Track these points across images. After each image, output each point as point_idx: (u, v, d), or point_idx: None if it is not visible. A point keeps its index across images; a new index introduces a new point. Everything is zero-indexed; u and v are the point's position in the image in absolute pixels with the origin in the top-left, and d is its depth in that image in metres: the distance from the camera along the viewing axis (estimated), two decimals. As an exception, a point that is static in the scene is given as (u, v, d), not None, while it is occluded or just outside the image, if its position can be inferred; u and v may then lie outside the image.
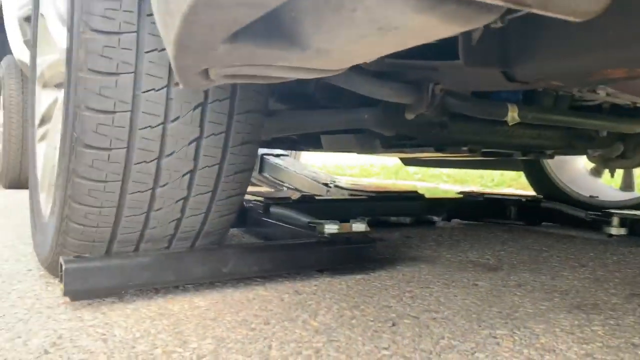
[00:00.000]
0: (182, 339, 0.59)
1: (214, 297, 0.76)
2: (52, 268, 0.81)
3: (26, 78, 2.70)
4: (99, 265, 0.69)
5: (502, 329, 0.66)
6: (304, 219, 1.06)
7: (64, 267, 0.67)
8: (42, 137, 1.08)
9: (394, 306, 0.75)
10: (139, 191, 0.66)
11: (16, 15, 2.35)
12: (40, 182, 1.02)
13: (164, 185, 0.68)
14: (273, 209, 1.20)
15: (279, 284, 0.85)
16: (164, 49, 0.62)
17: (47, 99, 1.08)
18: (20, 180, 2.83)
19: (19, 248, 1.12)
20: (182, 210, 0.72)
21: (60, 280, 0.68)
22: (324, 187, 1.80)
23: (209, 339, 0.60)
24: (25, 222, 1.45)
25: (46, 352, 0.55)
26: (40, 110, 1.09)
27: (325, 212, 1.18)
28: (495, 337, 0.63)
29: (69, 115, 0.63)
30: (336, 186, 1.77)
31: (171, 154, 0.66)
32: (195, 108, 0.65)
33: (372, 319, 0.69)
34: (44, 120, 1.07)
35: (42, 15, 1.02)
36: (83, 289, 0.69)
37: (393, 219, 1.50)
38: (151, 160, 0.65)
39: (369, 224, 0.97)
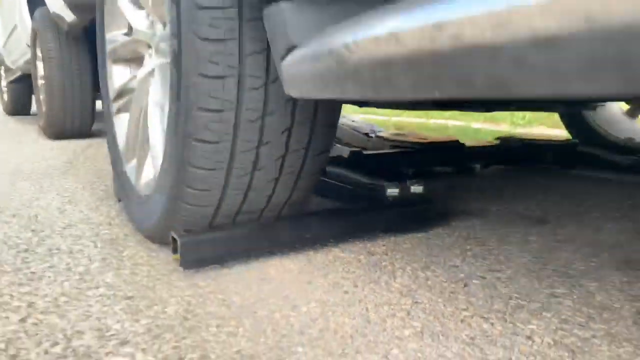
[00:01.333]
0: (291, 303, 0.70)
1: (301, 260, 0.87)
2: (155, 237, 0.92)
3: (62, 31, 2.74)
4: (207, 238, 0.80)
5: (560, 288, 0.76)
6: (363, 179, 1.14)
7: (179, 242, 0.77)
8: (120, 110, 1.16)
9: (460, 266, 0.85)
10: (241, 175, 0.75)
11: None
12: (123, 153, 1.11)
13: (260, 169, 0.77)
14: (329, 169, 1.28)
15: (352, 245, 0.95)
16: (261, 52, 0.68)
17: (122, 75, 1.16)
18: (63, 131, 2.95)
19: (103, 210, 1.24)
20: (274, 188, 0.81)
21: (175, 252, 0.80)
22: (365, 137, 1.87)
23: (312, 302, 0.71)
24: (95, 178, 1.56)
25: (185, 318, 0.66)
26: (114, 85, 1.16)
27: (376, 167, 1.27)
28: (556, 297, 0.73)
29: (181, 115, 0.71)
30: (377, 136, 1.83)
31: (267, 142, 0.74)
32: (286, 102, 0.73)
33: (444, 280, 0.79)
34: (121, 94, 1.15)
35: (112, -5, 1.07)
36: (194, 259, 0.80)
37: (437, 169, 1.58)
38: (251, 149, 0.73)
39: (415, 174, 1.05)
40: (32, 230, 1.06)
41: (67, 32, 2.68)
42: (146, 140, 0.97)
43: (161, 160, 0.85)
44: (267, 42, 0.66)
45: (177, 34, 0.69)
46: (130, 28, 1.03)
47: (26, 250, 0.93)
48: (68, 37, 2.76)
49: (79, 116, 2.91)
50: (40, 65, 3.07)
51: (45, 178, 1.68)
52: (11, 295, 0.73)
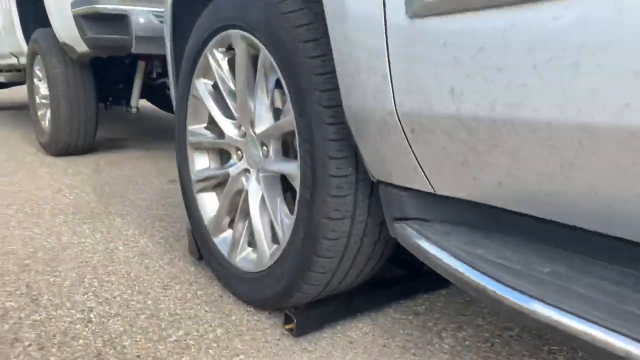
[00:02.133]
0: (382, 366, 1.02)
1: (369, 322, 1.18)
2: (257, 304, 1.21)
3: (65, 53, 2.87)
4: (314, 313, 1.11)
5: (555, 345, 1.12)
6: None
7: (295, 319, 1.08)
8: (202, 190, 1.42)
9: (483, 325, 1.20)
10: (349, 259, 1.05)
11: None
12: (210, 227, 1.37)
13: (361, 254, 1.07)
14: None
15: (401, 305, 1.28)
16: (365, 199, 0.98)
17: (204, 161, 1.41)
18: (68, 149, 3.10)
19: (180, 265, 1.50)
20: (364, 266, 1.11)
21: (286, 323, 1.10)
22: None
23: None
24: (141, 219, 1.78)
25: (318, 382, 0.97)
26: (195, 169, 1.42)
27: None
28: (553, 353, 1.09)
29: (311, 228, 1.01)
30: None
31: (368, 235, 1.05)
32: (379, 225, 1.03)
33: (477, 340, 1.13)
34: (204, 179, 1.40)
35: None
36: (302, 328, 1.10)
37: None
38: (357, 240, 1.03)
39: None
40: (140, 292, 1.32)
41: (75, 59, 2.82)
42: (244, 227, 1.25)
43: (270, 251, 1.13)
44: (370, 191, 0.96)
45: (311, 188, 0.97)
46: (222, 134, 1.30)
47: (153, 316, 1.20)
48: (74, 62, 2.89)
49: (83, 135, 3.07)
50: (40, 85, 3.18)
51: (93, 219, 1.90)
52: (179, 365, 1.02)
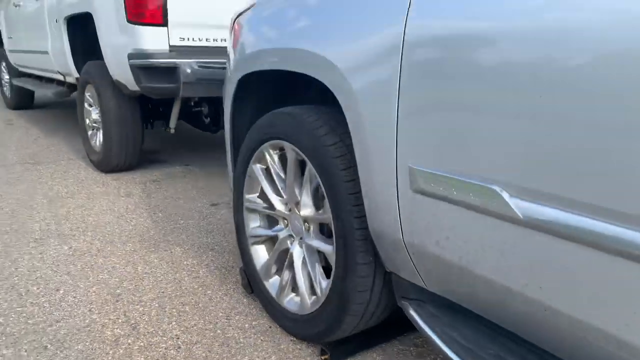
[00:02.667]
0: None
1: (379, 352, 1.63)
2: (301, 336, 1.66)
3: (117, 87, 3.29)
4: (347, 347, 1.55)
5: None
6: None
7: (329, 353, 1.52)
8: (255, 243, 1.86)
9: (464, 354, 1.63)
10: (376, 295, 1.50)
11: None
12: (261, 272, 1.81)
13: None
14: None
15: (404, 337, 1.72)
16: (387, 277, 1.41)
17: (256, 221, 1.85)
18: (117, 166, 3.54)
19: (240, 299, 1.95)
20: (388, 301, 1.56)
21: (322, 354, 1.54)
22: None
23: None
24: (194, 251, 2.22)
25: (346, 399, 1.42)
26: (249, 227, 1.85)
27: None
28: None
29: (347, 283, 1.45)
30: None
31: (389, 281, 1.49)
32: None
33: (458, 367, 1.57)
34: (256, 236, 1.84)
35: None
36: (337, 357, 1.55)
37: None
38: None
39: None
40: (210, 322, 1.77)
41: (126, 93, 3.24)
42: (289, 276, 1.69)
43: (311, 300, 1.57)
44: (384, 274, 1.39)
45: (343, 270, 1.40)
46: (272, 206, 1.73)
47: (224, 344, 1.65)
48: (125, 95, 3.31)
49: (131, 155, 3.50)
50: (91, 110, 3.61)
51: (157, 248, 2.35)
52: (249, 384, 1.47)
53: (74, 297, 1.92)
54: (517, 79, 0.84)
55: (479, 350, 1.08)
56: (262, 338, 1.68)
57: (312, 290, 1.60)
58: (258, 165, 1.75)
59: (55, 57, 4.18)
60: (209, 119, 3.54)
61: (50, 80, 4.98)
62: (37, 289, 1.98)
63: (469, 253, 1.00)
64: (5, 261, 2.20)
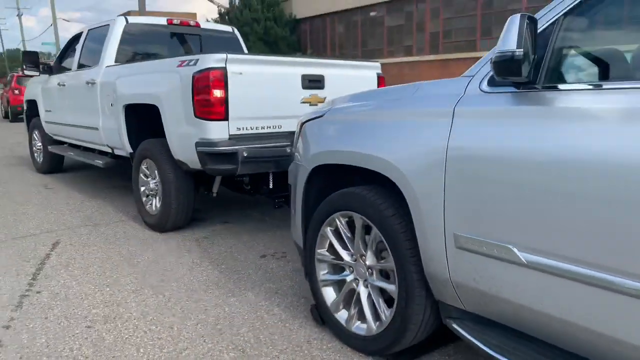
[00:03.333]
0: (438, 383, 2.12)
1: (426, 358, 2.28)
2: (370, 353, 2.32)
3: (176, 164, 3.96)
4: (399, 357, 2.22)
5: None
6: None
7: (393, 361, 2.18)
8: (324, 285, 2.53)
9: None
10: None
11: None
12: (331, 307, 2.48)
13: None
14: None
15: (428, 356, 2.38)
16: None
17: (325, 270, 2.52)
18: (171, 227, 4.18)
19: (314, 329, 2.60)
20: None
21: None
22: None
23: (444, 381, 2.13)
24: (263, 298, 2.86)
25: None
26: (320, 274, 2.53)
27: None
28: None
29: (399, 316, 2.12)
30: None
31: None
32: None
33: (482, 368, 2.24)
34: (324, 280, 2.51)
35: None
36: (395, 365, 2.21)
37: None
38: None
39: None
40: (299, 346, 2.41)
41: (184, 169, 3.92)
42: (356, 309, 2.35)
43: (375, 325, 2.23)
44: (432, 302, 2.07)
45: (405, 302, 2.08)
46: (339, 257, 2.41)
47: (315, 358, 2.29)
48: (182, 169, 3.98)
49: (184, 217, 4.15)
50: (148, 180, 4.27)
51: (234, 293, 2.98)
52: (340, 385, 2.11)
53: (187, 332, 2.55)
54: (515, 185, 1.57)
55: (508, 348, 1.76)
56: (339, 354, 2.33)
57: (376, 317, 2.26)
58: (329, 228, 2.44)
59: (106, 133, 4.86)
60: (249, 186, 4.22)
61: (90, 150, 5.62)
62: (156, 327, 2.60)
63: (495, 285, 1.70)
64: (117, 308, 2.82)
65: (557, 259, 1.50)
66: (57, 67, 6.18)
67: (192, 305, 2.85)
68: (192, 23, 5.48)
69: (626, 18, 1.70)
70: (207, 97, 3.40)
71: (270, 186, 4.04)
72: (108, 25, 5.06)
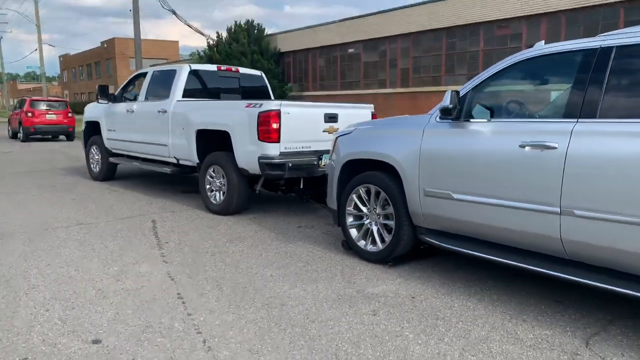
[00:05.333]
0: (415, 271, 4.08)
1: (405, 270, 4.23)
2: (378, 261, 4.29)
3: (238, 169, 5.90)
4: (400, 261, 4.20)
5: (459, 268, 4.21)
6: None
7: (390, 262, 4.15)
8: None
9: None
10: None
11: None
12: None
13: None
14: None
15: (415, 261, 4.35)
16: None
17: (353, 220, 4.50)
18: (232, 212, 6.07)
19: None
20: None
21: (387, 263, 4.16)
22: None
23: (418, 271, 4.09)
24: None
25: None
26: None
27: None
28: (458, 269, 4.17)
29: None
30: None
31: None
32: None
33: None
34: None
35: (357, 203, 4.46)
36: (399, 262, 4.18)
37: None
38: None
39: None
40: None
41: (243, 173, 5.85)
42: (371, 239, 4.31)
43: (383, 245, 4.19)
44: (410, 224, 4.05)
45: (398, 226, 4.07)
46: (360, 210, 4.39)
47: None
48: (241, 174, 5.90)
49: (242, 205, 6.05)
50: (214, 180, 6.17)
51: (308, 242, 4.90)
52: None
53: (272, 256, 4.45)
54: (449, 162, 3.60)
55: (453, 242, 3.73)
56: (358, 261, 4.27)
57: (381, 240, 4.22)
58: (354, 195, 4.41)
59: (175, 148, 6.73)
60: (284, 187, 6.19)
61: (152, 161, 7.45)
62: (254, 249, 4.49)
63: (443, 210, 3.69)
64: (224, 245, 4.69)
65: (470, 195, 3.49)
66: (120, 96, 8.04)
67: (265, 251, 4.75)
68: (233, 69, 7.46)
69: (499, 91, 3.76)
70: (268, 128, 5.37)
71: (301, 186, 6.03)
72: (175, 70, 7.00)
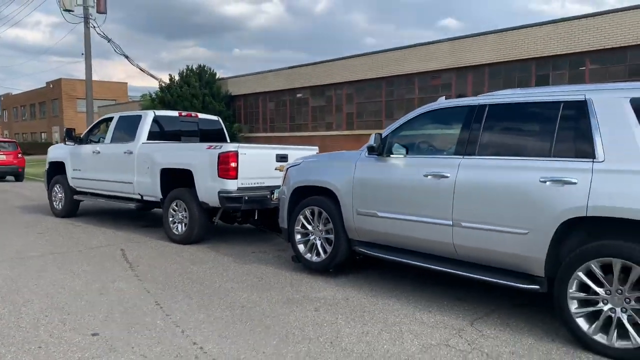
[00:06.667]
0: (351, 281, 4.99)
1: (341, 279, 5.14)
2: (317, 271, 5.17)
3: (199, 203, 6.71)
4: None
5: (387, 278, 5.14)
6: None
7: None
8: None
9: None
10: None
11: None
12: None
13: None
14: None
15: (352, 274, 5.26)
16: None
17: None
18: (192, 241, 6.82)
19: None
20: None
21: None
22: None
23: (354, 281, 5.00)
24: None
25: None
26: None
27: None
28: (386, 279, 5.10)
29: None
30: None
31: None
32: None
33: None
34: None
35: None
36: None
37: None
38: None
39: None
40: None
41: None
42: (316, 252, 5.20)
43: (324, 255, 5.09)
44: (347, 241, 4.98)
45: (336, 240, 4.99)
46: (306, 229, 5.29)
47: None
48: (202, 207, 6.70)
49: (202, 235, 6.82)
50: (176, 213, 6.93)
51: (263, 263, 5.72)
52: None
53: (233, 274, 5.25)
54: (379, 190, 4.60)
55: (380, 251, 4.68)
56: (305, 275, 5.14)
57: (324, 252, 5.11)
58: (301, 215, 5.31)
59: (139, 185, 7.46)
60: (240, 218, 7.03)
61: (116, 197, 8.11)
62: (211, 265, 5.28)
63: (371, 226, 4.66)
64: (191, 268, 5.45)
65: (391, 213, 4.47)
66: (85, 139, 8.71)
67: (225, 271, 5.54)
68: (193, 115, 8.34)
69: (412, 134, 4.82)
70: (227, 166, 6.24)
71: (256, 217, 6.89)
72: (140, 115, 7.81)
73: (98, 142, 8.47)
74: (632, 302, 3.15)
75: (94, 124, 8.89)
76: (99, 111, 32.49)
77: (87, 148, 8.56)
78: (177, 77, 25.58)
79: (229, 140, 8.64)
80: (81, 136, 8.85)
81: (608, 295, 3.25)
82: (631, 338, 3.12)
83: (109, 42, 22.04)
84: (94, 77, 22.67)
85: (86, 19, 19.94)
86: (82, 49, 20.79)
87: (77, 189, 8.88)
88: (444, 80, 16.77)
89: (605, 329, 3.25)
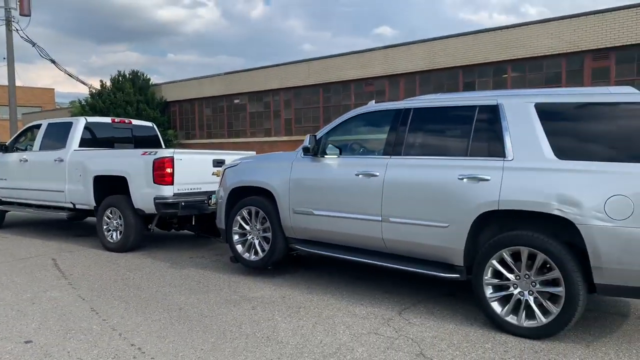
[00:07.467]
0: (289, 280, 5.15)
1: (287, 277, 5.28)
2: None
3: (134, 210, 6.65)
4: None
5: (323, 276, 5.33)
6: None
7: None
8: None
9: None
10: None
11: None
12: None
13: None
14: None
15: (289, 274, 5.41)
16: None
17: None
18: (127, 249, 6.75)
19: None
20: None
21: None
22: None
23: (291, 280, 5.16)
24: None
25: None
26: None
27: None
28: (322, 277, 5.28)
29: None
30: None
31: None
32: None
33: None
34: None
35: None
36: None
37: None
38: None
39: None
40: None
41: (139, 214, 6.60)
42: (254, 251, 5.32)
43: (261, 254, 5.22)
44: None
45: (272, 244, 5.13)
46: (244, 229, 5.40)
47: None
48: (137, 214, 6.63)
49: (138, 242, 6.75)
50: (110, 221, 6.83)
51: (199, 267, 5.74)
52: None
53: (156, 280, 5.27)
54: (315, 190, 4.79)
55: (316, 248, 4.86)
56: (243, 277, 5.25)
57: (262, 250, 5.23)
58: (238, 216, 5.41)
59: (71, 194, 7.27)
60: (177, 225, 7.02)
61: (45, 207, 7.84)
62: (148, 272, 5.27)
63: (307, 224, 4.84)
64: (121, 277, 5.41)
65: (325, 211, 4.67)
66: (11, 147, 8.37)
67: (162, 276, 5.55)
68: (126, 121, 8.22)
69: (344, 135, 5.05)
70: (163, 172, 6.23)
71: (194, 223, 6.90)
72: (71, 122, 7.61)
73: (25, 150, 8.16)
74: (538, 285, 3.54)
75: (20, 131, 8.54)
76: (23, 118, 30.85)
77: (13, 156, 8.23)
78: (108, 83, 24.80)
79: (164, 147, 8.58)
80: (6, 144, 8.49)
81: (517, 280, 3.62)
82: (537, 317, 3.51)
83: (33, 46, 21.22)
84: (18, 83, 21.65)
85: (8, 21, 19.04)
86: (3, 53, 19.76)
87: (3, 199, 8.50)
88: (378, 87, 17.31)
89: (515, 310, 3.62)
